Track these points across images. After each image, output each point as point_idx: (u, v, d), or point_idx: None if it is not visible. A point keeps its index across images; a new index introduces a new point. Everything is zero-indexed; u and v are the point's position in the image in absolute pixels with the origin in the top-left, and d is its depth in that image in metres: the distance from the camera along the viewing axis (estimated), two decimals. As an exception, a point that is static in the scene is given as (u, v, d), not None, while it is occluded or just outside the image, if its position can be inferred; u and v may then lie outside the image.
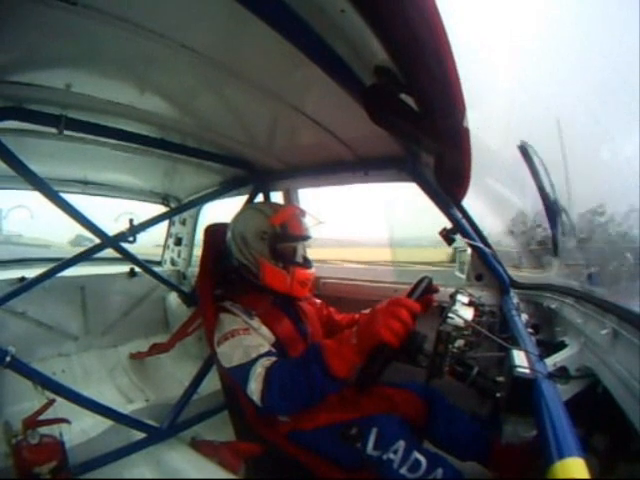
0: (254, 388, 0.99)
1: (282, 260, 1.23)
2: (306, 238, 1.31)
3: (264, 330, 1.16)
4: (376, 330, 0.86)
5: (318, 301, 1.46)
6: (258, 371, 1.00)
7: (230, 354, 1.08)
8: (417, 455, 0.96)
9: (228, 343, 1.10)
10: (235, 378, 1.09)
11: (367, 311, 1.38)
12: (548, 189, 1.19)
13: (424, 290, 1.10)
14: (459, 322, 0.93)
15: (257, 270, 1.24)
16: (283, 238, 1.23)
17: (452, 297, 1.11)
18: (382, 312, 0.89)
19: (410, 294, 1.08)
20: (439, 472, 0.95)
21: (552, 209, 1.23)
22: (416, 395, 1.24)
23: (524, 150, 1.13)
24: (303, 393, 0.95)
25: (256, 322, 1.16)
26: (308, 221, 1.34)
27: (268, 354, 1.05)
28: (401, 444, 0.96)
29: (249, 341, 1.09)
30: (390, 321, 0.86)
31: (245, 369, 1.02)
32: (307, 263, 1.30)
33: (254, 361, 1.02)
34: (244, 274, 1.27)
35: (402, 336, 0.87)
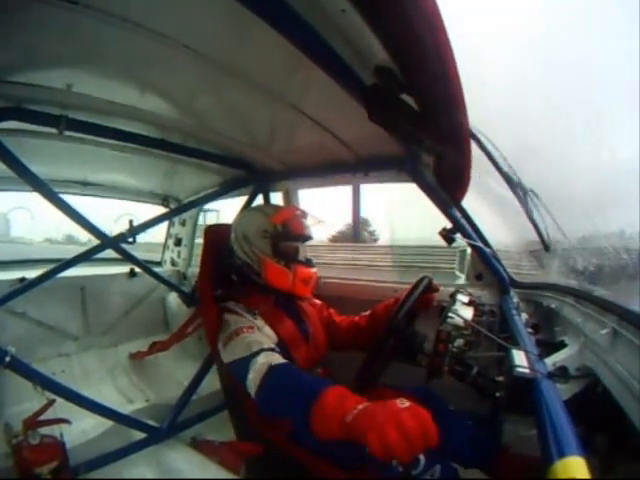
0: (251, 378, 0.99)
1: (284, 258, 1.24)
2: (307, 238, 1.32)
3: (267, 330, 1.16)
4: (365, 431, 0.65)
5: (318, 302, 1.47)
6: (261, 362, 0.99)
7: (233, 350, 1.09)
8: None
9: (233, 342, 1.10)
10: (236, 372, 1.09)
11: (366, 313, 1.39)
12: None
13: (424, 290, 1.10)
14: (459, 322, 0.93)
15: (260, 268, 1.25)
16: (284, 237, 1.24)
17: (452, 297, 1.11)
18: (386, 413, 0.67)
19: (410, 293, 1.08)
20: (437, 469, 0.95)
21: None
22: (415, 399, 1.24)
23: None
24: (291, 408, 0.87)
25: (260, 322, 1.17)
26: (309, 222, 1.34)
27: (271, 349, 1.06)
28: None
29: (253, 338, 1.10)
30: (388, 429, 0.63)
31: (246, 360, 1.02)
32: (309, 262, 1.31)
33: (256, 353, 1.03)
34: (247, 273, 1.28)
35: (394, 457, 0.62)
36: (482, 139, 1.03)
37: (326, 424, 0.75)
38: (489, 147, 1.07)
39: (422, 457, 0.95)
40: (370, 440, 0.63)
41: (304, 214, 1.35)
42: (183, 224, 2.68)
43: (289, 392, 0.90)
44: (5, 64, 0.97)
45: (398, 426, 0.63)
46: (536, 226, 1.31)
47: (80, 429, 1.44)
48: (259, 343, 1.07)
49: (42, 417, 1.21)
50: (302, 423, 0.80)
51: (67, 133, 1.28)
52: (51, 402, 1.24)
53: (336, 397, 0.78)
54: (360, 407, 0.72)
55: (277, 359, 1.01)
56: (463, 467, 1.12)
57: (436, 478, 0.94)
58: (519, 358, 0.80)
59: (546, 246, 1.35)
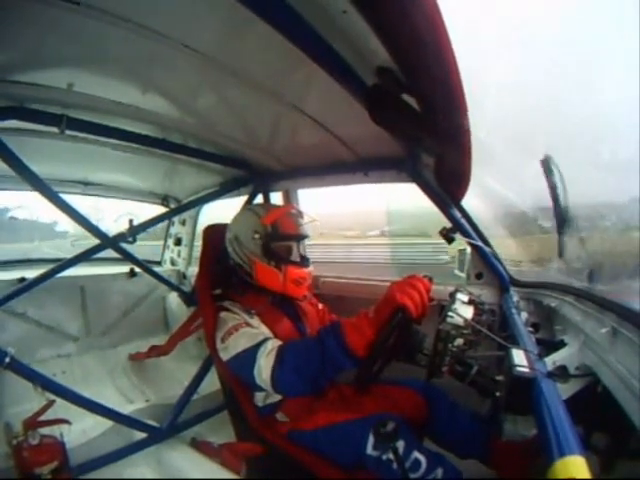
0: (263, 364, 1.00)
1: (275, 259, 1.24)
2: (299, 237, 1.31)
3: (263, 329, 1.16)
4: (392, 296, 0.91)
5: (320, 305, 1.46)
6: (269, 348, 1.02)
7: (236, 343, 1.09)
8: (417, 455, 0.95)
9: (233, 337, 1.11)
10: (239, 364, 1.09)
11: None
12: (562, 200, 1.18)
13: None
14: (459, 321, 0.93)
15: (251, 270, 1.25)
16: (275, 237, 1.24)
17: (452, 296, 1.10)
18: (398, 283, 0.96)
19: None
20: (439, 472, 0.94)
21: (562, 217, 1.22)
22: (416, 392, 1.25)
23: (546, 164, 1.11)
24: (317, 367, 0.95)
25: (256, 321, 1.17)
26: (304, 220, 1.33)
27: (274, 338, 1.08)
28: (401, 444, 0.95)
29: (255, 330, 1.12)
30: (406, 288, 0.92)
31: (253, 350, 1.03)
32: (304, 262, 1.30)
33: (262, 342, 1.04)
34: (240, 274, 1.28)
35: (417, 304, 0.91)
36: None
37: (361, 332, 0.91)
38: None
39: (423, 460, 0.95)
40: (399, 300, 0.89)
41: (299, 213, 1.34)
42: (183, 224, 2.68)
43: (310, 350, 0.97)
44: (7, 63, 0.97)
45: (408, 285, 0.93)
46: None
47: (80, 429, 1.44)
48: (262, 334, 1.09)
49: (42, 417, 1.21)
50: (339, 360, 0.93)
51: (68, 132, 1.28)
52: (51, 402, 1.24)
53: (350, 318, 0.96)
54: (371, 308, 0.94)
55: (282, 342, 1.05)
56: (461, 458, 1.12)
57: (439, 479, 0.94)
58: (519, 357, 0.80)
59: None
